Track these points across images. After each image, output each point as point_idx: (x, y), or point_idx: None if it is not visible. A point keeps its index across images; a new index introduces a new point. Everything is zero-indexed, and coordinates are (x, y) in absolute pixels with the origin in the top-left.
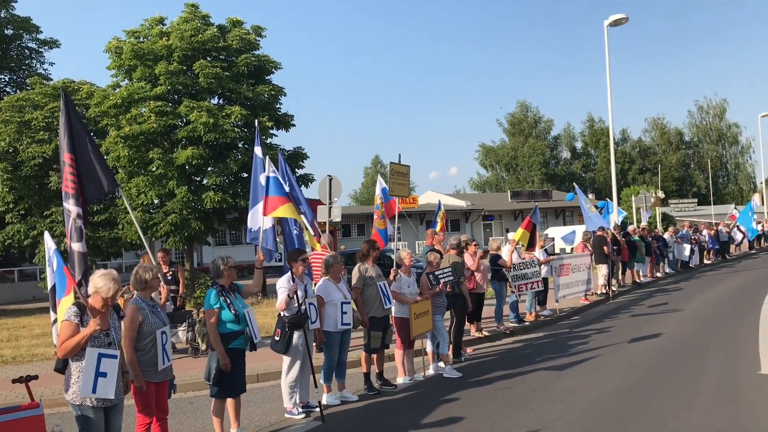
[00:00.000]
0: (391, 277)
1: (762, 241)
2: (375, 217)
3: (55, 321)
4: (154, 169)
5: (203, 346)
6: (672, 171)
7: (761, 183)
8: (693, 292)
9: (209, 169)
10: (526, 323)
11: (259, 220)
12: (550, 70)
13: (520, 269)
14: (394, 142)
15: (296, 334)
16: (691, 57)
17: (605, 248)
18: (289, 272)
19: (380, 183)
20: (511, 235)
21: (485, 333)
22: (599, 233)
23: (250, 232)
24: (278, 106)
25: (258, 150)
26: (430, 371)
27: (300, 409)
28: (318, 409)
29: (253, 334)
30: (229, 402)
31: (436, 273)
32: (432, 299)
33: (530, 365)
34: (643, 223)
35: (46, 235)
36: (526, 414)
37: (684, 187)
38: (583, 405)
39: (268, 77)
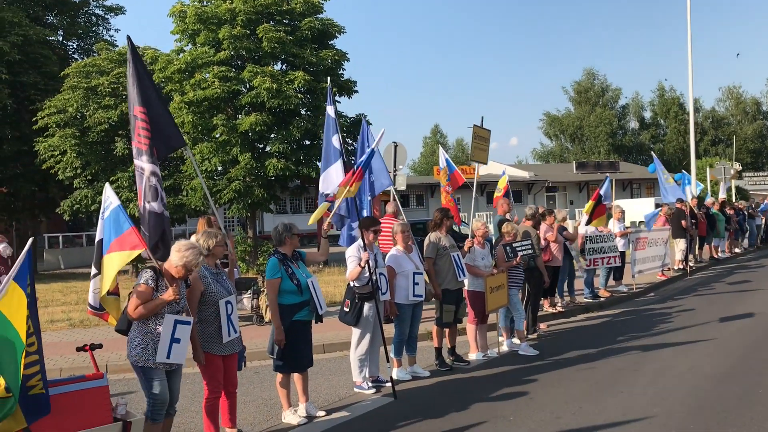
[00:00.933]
0: (465, 248)
1: None
2: (443, 188)
3: (96, 275)
4: (217, 135)
5: (267, 317)
6: (747, 143)
7: None
8: None
9: (272, 135)
10: (602, 299)
11: (332, 184)
12: (619, 36)
13: (597, 242)
14: (453, 111)
15: (366, 306)
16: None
17: (683, 222)
18: (360, 240)
19: (443, 154)
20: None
21: (559, 308)
22: (678, 206)
23: (322, 196)
24: (341, 72)
25: (330, 110)
26: (504, 348)
27: (370, 384)
28: (389, 384)
29: (319, 305)
30: (296, 376)
31: (514, 245)
32: (508, 272)
33: (611, 344)
34: (722, 196)
35: (107, 187)
36: (615, 398)
37: (760, 160)
38: (679, 390)
39: (332, 42)
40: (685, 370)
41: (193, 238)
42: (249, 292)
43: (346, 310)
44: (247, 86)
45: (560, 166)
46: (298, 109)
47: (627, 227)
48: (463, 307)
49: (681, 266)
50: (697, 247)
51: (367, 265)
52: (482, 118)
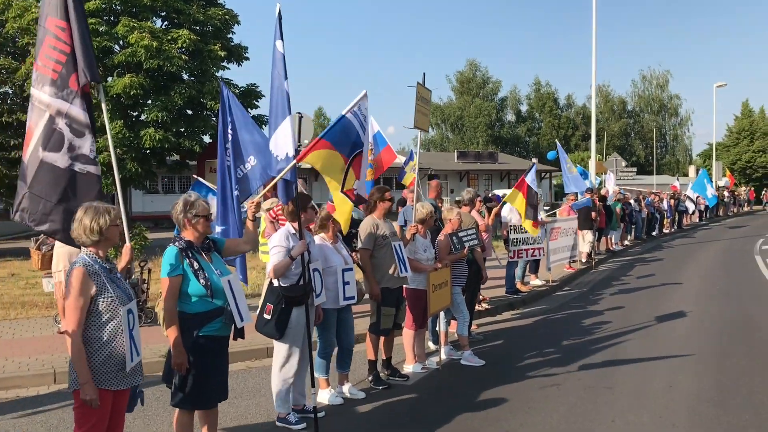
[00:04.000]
0: (408, 234)
1: (707, 213)
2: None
3: None
4: None
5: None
6: (614, 139)
7: (697, 156)
8: (676, 263)
9: (149, 102)
10: (524, 294)
11: (282, 147)
12: (499, 29)
13: (521, 232)
14: (336, 95)
15: (295, 312)
16: (637, 25)
17: (593, 213)
18: (288, 226)
19: (372, 126)
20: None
21: (486, 306)
22: (588, 196)
23: (274, 161)
24: (230, 35)
25: (279, 45)
26: (443, 356)
27: (296, 417)
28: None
29: (238, 314)
30: (200, 414)
31: (460, 234)
32: (451, 267)
33: (561, 351)
34: (615, 188)
35: None
36: (603, 426)
37: (624, 156)
38: (675, 412)
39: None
40: (665, 387)
41: None
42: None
43: (267, 317)
44: (122, 43)
45: (442, 154)
46: (180, 72)
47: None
48: (404, 310)
49: (586, 259)
50: (595, 239)
51: (300, 258)
52: (424, 74)
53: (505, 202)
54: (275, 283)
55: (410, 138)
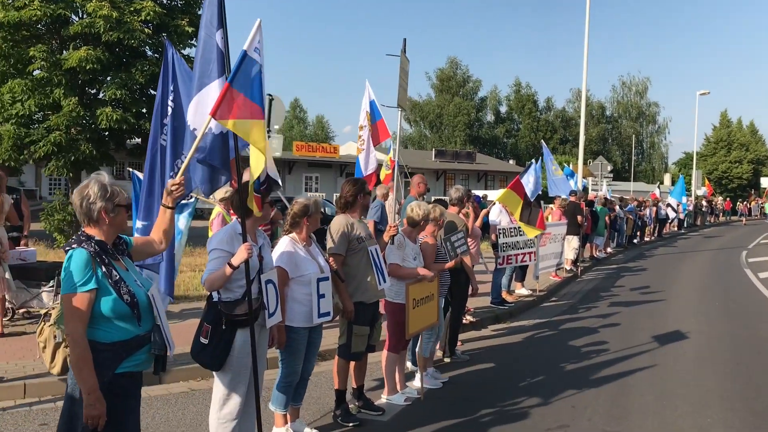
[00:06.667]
0: (386, 237)
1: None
2: (359, 137)
3: None
4: (35, 71)
5: (56, 366)
6: (591, 144)
7: (673, 164)
8: (664, 274)
9: (108, 78)
10: (511, 305)
11: (205, 114)
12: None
13: (512, 236)
14: (313, 87)
15: (240, 336)
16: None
17: (579, 217)
18: (235, 222)
19: (368, 94)
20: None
21: (471, 318)
22: (573, 199)
23: (193, 135)
24: (200, 11)
25: None
26: (426, 384)
27: None
28: None
29: (167, 341)
30: None
31: (452, 239)
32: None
33: (560, 380)
34: (602, 193)
35: None
36: None
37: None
38: None
39: None
40: (691, 425)
41: None
42: (51, 283)
43: (204, 341)
44: (79, 12)
45: (419, 152)
46: (143, 48)
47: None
48: (379, 328)
49: (571, 266)
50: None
51: (246, 265)
52: (404, 40)
53: (494, 203)
54: (215, 297)
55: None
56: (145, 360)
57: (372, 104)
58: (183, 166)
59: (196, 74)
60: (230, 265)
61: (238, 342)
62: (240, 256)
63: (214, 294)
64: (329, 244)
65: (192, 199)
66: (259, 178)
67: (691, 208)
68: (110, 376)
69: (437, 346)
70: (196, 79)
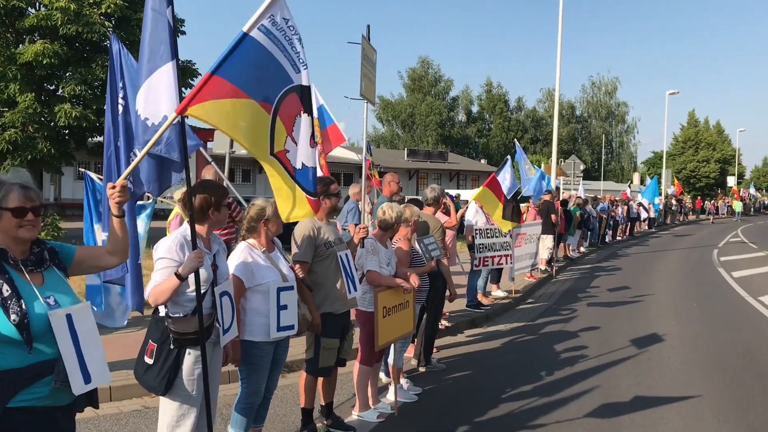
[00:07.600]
0: (356, 239)
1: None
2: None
3: None
4: None
5: None
6: (561, 144)
7: (641, 164)
8: (639, 274)
9: (67, 74)
10: (487, 308)
11: (159, 102)
12: (453, 27)
13: (488, 237)
14: None
15: (190, 357)
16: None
17: (553, 216)
18: (185, 227)
19: (317, 99)
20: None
21: (446, 323)
22: (547, 198)
23: (145, 127)
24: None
25: None
26: (401, 398)
27: None
28: None
29: (81, 372)
30: None
31: (425, 241)
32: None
33: (542, 389)
34: (578, 192)
35: None
36: None
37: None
38: None
39: None
40: None
41: None
42: None
43: (149, 361)
44: (36, 4)
45: (392, 151)
46: (104, 42)
47: None
48: (350, 340)
49: (546, 266)
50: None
51: (196, 276)
52: (368, 26)
53: (470, 203)
54: (161, 311)
55: (359, 133)
56: (51, 393)
57: (321, 109)
58: (132, 165)
59: (145, 56)
60: (177, 275)
61: (188, 363)
62: (189, 265)
63: (161, 308)
64: (294, 249)
65: (150, 200)
66: (304, 172)
67: (661, 207)
68: (5, 410)
69: (411, 354)
70: (145, 62)
